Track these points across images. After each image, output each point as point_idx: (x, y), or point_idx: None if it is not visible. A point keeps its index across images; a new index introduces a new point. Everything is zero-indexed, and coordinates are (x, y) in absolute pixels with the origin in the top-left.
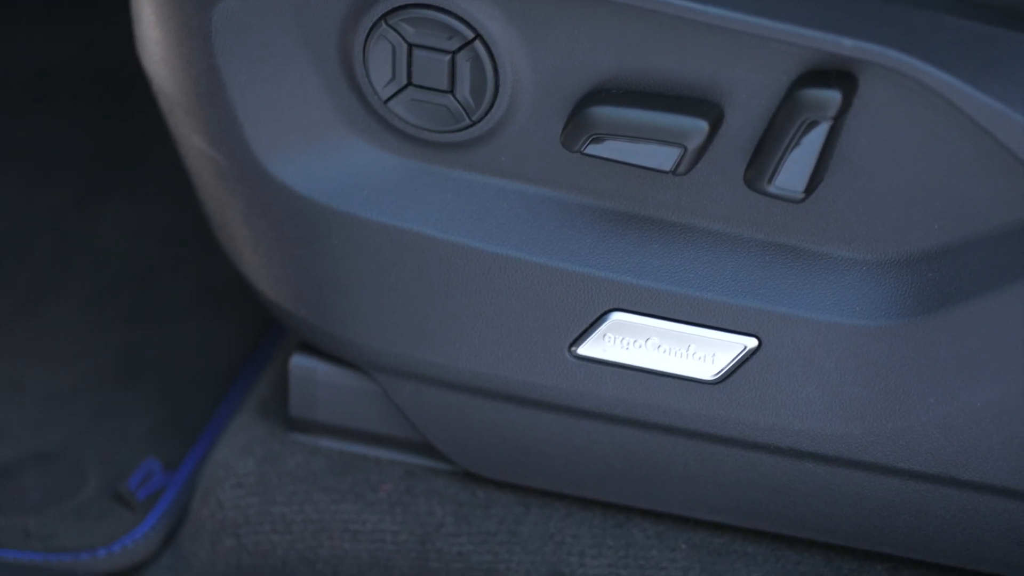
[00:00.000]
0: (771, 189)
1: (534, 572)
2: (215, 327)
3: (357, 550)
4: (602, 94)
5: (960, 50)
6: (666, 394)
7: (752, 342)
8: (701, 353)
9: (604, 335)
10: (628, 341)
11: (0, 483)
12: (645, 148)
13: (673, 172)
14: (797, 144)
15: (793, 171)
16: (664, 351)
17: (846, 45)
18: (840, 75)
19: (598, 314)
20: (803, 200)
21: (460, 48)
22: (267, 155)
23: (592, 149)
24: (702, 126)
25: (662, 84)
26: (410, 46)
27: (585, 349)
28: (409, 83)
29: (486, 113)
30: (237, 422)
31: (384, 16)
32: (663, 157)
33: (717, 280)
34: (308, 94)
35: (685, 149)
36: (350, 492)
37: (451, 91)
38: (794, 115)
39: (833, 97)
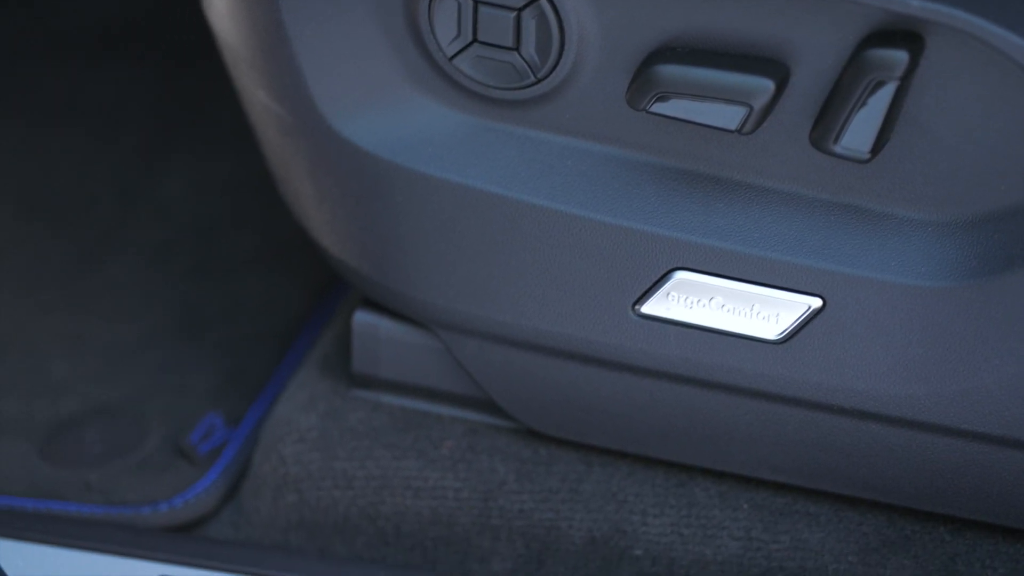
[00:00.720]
0: (837, 149)
1: (596, 530)
2: (278, 282)
3: (419, 506)
4: (668, 52)
5: None
6: (729, 354)
7: (816, 302)
8: (765, 313)
9: (668, 294)
10: (692, 300)
11: (62, 436)
12: (711, 107)
13: (739, 131)
14: (863, 104)
15: (859, 131)
16: (728, 310)
17: (913, 5)
18: (907, 35)
19: (662, 273)
20: (869, 160)
21: (526, 5)
22: (331, 111)
23: (657, 108)
24: (768, 85)
25: (729, 43)
26: (476, 3)
27: (649, 307)
28: (474, 40)
29: (551, 71)
30: (300, 378)
31: None
32: (729, 116)
33: (782, 240)
34: (373, 50)
35: (751, 108)
36: (412, 448)
37: (516, 48)
38: (861, 75)
39: (900, 57)
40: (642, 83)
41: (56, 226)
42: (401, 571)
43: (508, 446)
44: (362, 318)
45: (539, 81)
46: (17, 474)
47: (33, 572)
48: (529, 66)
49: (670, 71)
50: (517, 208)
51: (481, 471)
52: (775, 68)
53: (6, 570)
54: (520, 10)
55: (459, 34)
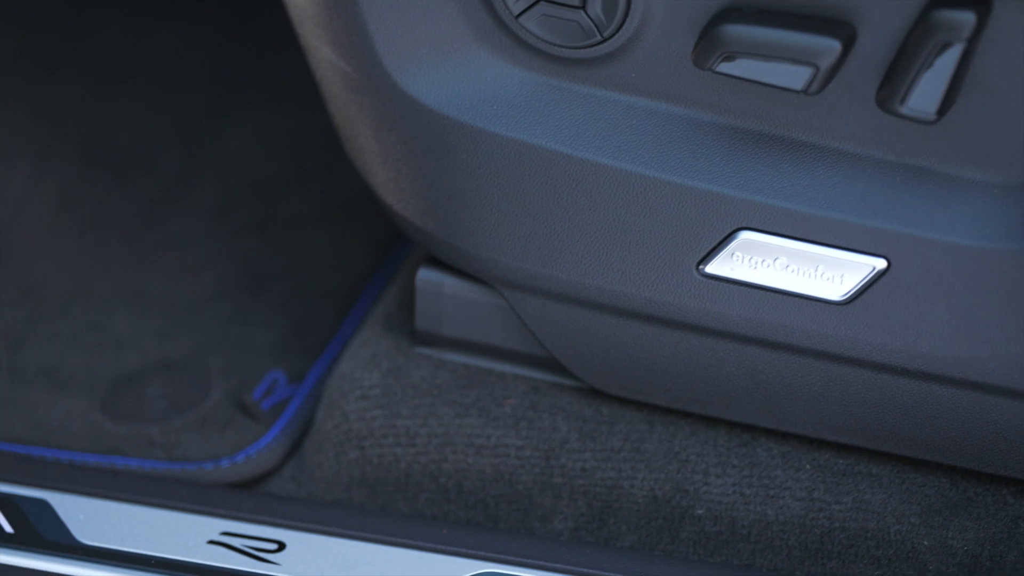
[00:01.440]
0: (903, 110)
1: (658, 489)
2: (341, 239)
3: (481, 464)
4: (734, 12)
5: None
6: (793, 314)
7: (881, 263)
8: (829, 274)
9: (732, 254)
10: (756, 260)
11: (124, 392)
12: (777, 67)
13: (805, 91)
14: (930, 65)
15: (925, 92)
16: (792, 271)
17: None
18: None
19: (726, 233)
20: (935, 122)
21: None
22: (397, 68)
23: (723, 67)
24: (835, 46)
25: (795, 2)
26: None
27: (713, 267)
28: None
29: (617, 30)
30: (363, 335)
31: None
32: (795, 76)
33: (847, 201)
34: (439, 7)
35: (817, 69)
36: (474, 406)
37: (583, 7)
38: (928, 36)
39: (967, 19)
40: (708, 43)
41: (119, 182)
42: (463, 528)
43: (570, 405)
44: (425, 275)
45: (605, 40)
46: (79, 429)
47: (95, 527)
48: (595, 25)
49: (736, 31)
50: (582, 167)
51: (543, 429)
52: (842, 28)
53: (68, 525)
54: None
55: None
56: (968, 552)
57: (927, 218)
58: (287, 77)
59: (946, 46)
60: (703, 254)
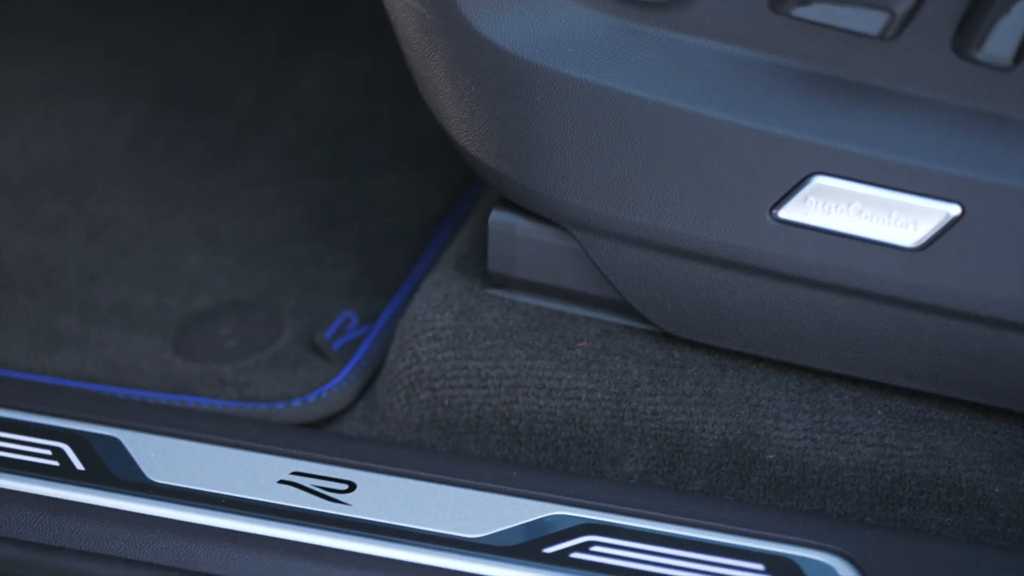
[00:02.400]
0: (979, 56)
1: (728, 434)
2: (414, 181)
3: (552, 407)
4: None
5: None
6: (866, 260)
7: (955, 209)
8: (903, 219)
9: (806, 199)
10: (830, 205)
11: (196, 330)
12: (852, 12)
13: (880, 37)
14: (1007, 11)
15: (1002, 39)
16: (866, 216)
17: None
18: None
19: (800, 177)
20: (1011, 68)
21: None
22: (472, 9)
23: (799, 12)
24: None
25: None
26: None
27: (786, 212)
28: None
29: None
30: (435, 276)
31: None
32: (870, 21)
33: (921, 146)
34: None
35: (893, 14)
36: (546, 348)
37: None
38: None
39: None
40: None
41: (192, 121)
42: (533, 471)
43: (642, 348)
44: (498, 217)
45: None
46: (151, 368)
47: (165, 466)
48: None
49: None
50: (656, 110)
51: (614, 372)
52: None
53: (139, 463)
54: None
55: None
56: None
57: (1001, 164)
58: (361, 18)
59: None
60: (776, 199)
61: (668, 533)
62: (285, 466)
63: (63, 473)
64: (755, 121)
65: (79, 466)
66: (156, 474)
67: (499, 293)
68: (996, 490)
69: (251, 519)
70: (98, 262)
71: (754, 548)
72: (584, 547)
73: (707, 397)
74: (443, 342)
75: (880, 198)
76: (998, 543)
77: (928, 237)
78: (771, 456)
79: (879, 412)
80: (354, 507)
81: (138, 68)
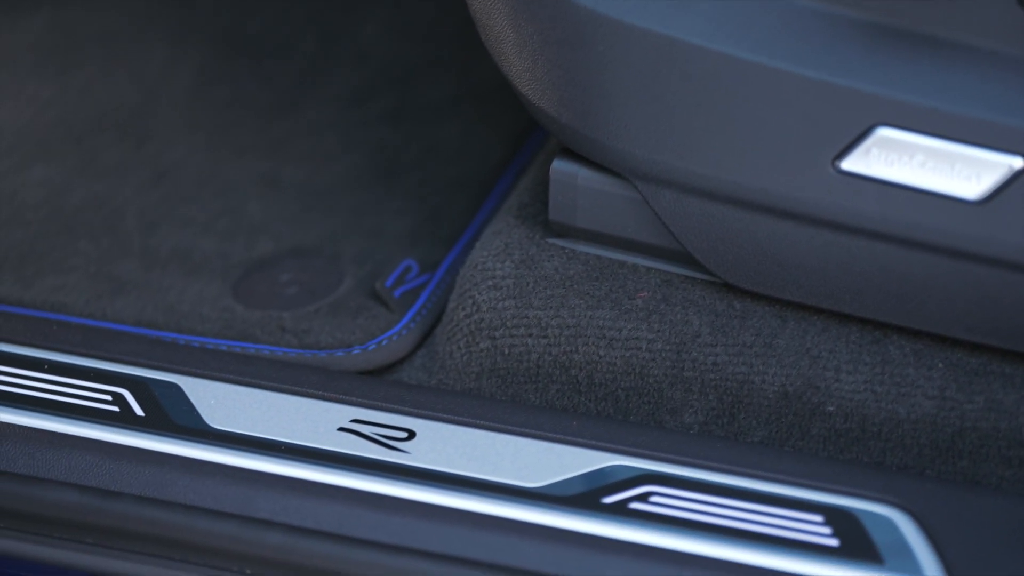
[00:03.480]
0: None
1: (789, 385)
2: (476, 129)
3: (612, 356)
4: None
5: None
6: (928, 212)
7: (1018, 162)
8: (966, 172)
9: (868, 150)
10: (892, 157)
11: (257, 277)
12: None
13: None
14: None
15: None
16: (928, 168)
17: None
18: None
19: (863, 128)
20: None
21: None
22: None
23: None
24: None
25: None
26: None
27: (849, 164)
28: None
29: None
30: (496, 225)
31: None
32: None
33: (985, 98)
34: None
35: None
36: (606, 298)
37: None
38: None
39: None
40: None
41: (255, 68)
42: (593, 421)
43: (703, 298)
44: (560, 166)
45: None
46: (211, 314)
47: (225, 412)
48: None
49: None
50: (719, 60)
51: (675, 323)
52: None
53: (199, 409)
54: None
55: None
56: None
57: None
58: None
59: None
60: (839, 150)
61: (727, 484)
62: (345, 414)
63: (123, 419)
64: (819, 72)
65: (139, 412)
66: (216, 420)
67: (560, 242)
68: None
69: (310, 466)
70: (159, 208)
71: (813, 500)
72: (643, 497)
73: (767, 348)
74: (504, 291)
75: (943, 150)
76: None
77: (991, 189)
78: (831, 408)
79: (940, 365)
80: (413, 455)
81: (201, 13)
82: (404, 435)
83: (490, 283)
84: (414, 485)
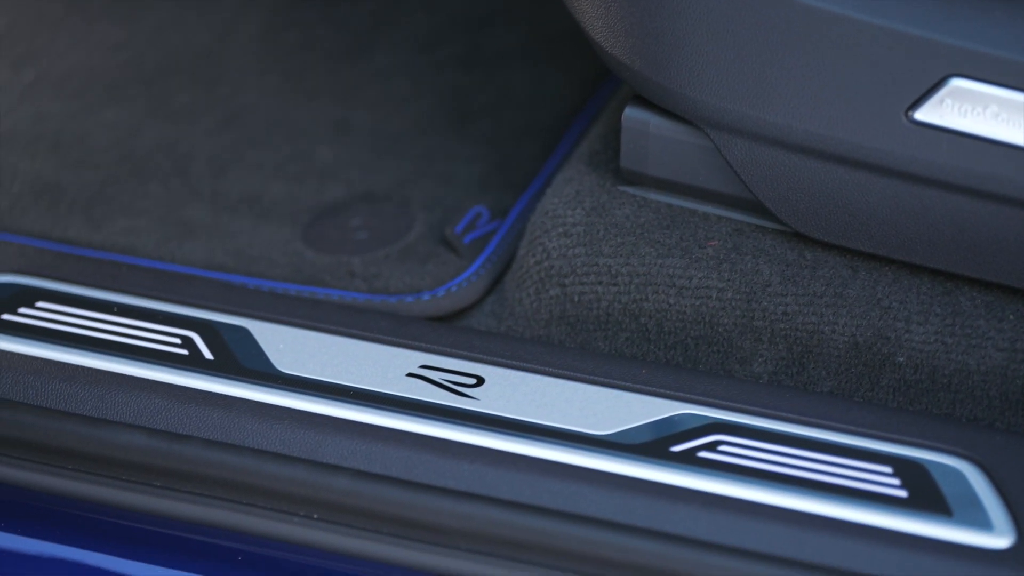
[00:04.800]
0: None
1: (859, 335)
2: (547, 76)
3: (682, 304)
4: None
5: None
6: (1002, 164)
7: None
8: None
9: (942, 101)
10: (966, 108)
11: (327, 222)
12: None
13: None
14: None
15: None
16: (1002, 120)
17: None
18: None
19: (937, 79)
20: None
21: None
22: None
23: None
24: None
25: None
26: None
27: (922, 114)
28: None
29: None
30: (566, 172)
31: None
32: None
33: None
34: None
35: None
36: (677, 247)
37: None
38: None
39: None
40: None
41: (326, 13)
42: (662, 369)
43: (773, 248)
44: (632, 114)
45: None
46: (280, 259)
47: (294, 356)
48: None
49: None
50: (794, 9)
51: (745, 272)
52: None
53: (267, 353)
54: None
55: None
56: None
57: None
58: None
59: None
60: (912, 100)
61: (796, 434)
62: (414, 359)
63: (192, 362)
64: (893, 22)
65: (208, 355)
66: (284, 364)
67: (631, 190)
68: None
69: (379, 411)
70: (229, 152)
71: (883, 451)
72: (711, 446)
73: (838, 298)
74: (574, 238)
75: (1017, 101)
76: None
77: None
78: (901, 359)
79: (1011, 317)
80: (482, 401)
81: None
82: (473, 381)
83: (560, 230)
84: (482, 432)
